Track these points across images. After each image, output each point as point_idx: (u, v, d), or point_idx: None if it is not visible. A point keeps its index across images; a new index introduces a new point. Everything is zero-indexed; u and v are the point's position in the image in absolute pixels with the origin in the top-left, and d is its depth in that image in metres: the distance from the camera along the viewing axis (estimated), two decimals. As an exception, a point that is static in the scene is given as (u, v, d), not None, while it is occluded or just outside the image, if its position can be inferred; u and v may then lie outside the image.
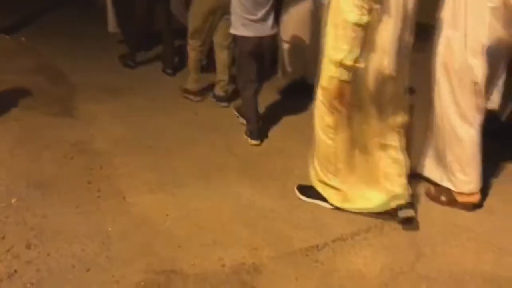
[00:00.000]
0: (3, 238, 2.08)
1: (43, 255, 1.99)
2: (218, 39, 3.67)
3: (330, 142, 2.36)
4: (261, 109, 3.55)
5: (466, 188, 2.48)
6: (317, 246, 2.21)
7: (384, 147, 2.38)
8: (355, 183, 2.45)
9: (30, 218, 2.24)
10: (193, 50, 3.73)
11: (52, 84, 4.09)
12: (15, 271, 1.89)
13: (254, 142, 3.22)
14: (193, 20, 3.62)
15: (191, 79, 3.86)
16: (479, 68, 2.32)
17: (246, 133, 3.27)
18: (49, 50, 5.01)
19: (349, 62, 2.06)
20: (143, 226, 2.26)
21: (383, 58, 2.18)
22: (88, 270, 1.93)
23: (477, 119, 2.41)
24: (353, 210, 2.45)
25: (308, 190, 2.56)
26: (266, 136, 3.32)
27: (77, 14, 6.03)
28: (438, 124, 2.52)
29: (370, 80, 2.22)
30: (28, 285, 1.82)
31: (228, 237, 2.23)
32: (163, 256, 2.06)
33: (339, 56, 2.07)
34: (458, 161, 2.47)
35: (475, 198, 2.49)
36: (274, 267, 2.05)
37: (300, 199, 2.58)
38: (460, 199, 2.50)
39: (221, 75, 3.76)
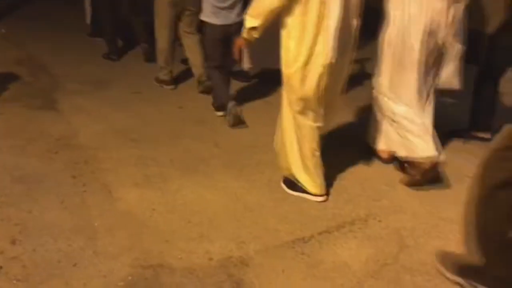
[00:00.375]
0: (-13, 234, 2.06)
1: (28, 250, 1.98)
2: (183, 27, 3.79)
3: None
4: (248, 104, 3.57)
5: (424, 154, 2.63)
6: (303, 238, 2.24)
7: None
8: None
9: (15, 213, 2.21)
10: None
11: (34, 77, 4.03)
12: (0, 267, 1.87)
13: (220, 113, 3.47)
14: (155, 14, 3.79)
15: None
16: (418, 48, 2.52)
17: (213, 105, 3.55)
18: (31, 42, 4.94)
19: (248, 25, 2.28)
20: (130, 221, 2.25)
21: (328, 42, 2.23)
22: (75, 265, 1.92)
23: (408, 95, 2.64)
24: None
25: (294, 184, 2.58)
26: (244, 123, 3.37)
27: (59, 6, 5.93)
28: (376, 99, 2.79)
29: (318, 66, 2.27)
30: (14, 281, 1.81)
31: (215, 230, 2.24)
32: (150, 250, 2.05)
33: (248, 16, 2.30)
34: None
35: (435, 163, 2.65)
36: (261, 260, 2.07)
37: (286, 192, 2.60)
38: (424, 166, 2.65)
39: (192, 60, 3.87)
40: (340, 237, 2.28)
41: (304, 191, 2.54)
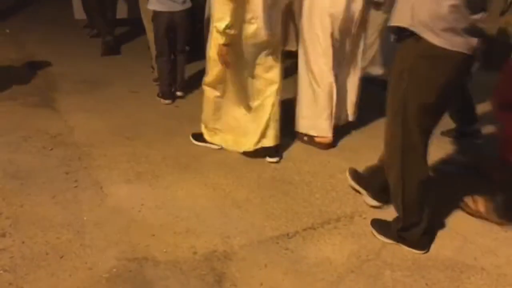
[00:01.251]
0: (-21, 227, 2.12)
1: (17, 243, 2.04)
2: (144, 18, 3.92)
3: (218, 94, 2.88)
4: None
5: (323, 133, 3.09)
6: (288, 234, 2.28)
7: (258, 99, 2.89)
8: (236, 129, 2.98)
9: (6, 207, 2.27)
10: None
11: (33, 76, 4.10)
12: (-11, 258, 1.93)
13: (165, 101, 3.72)
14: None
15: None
16: (328, 33, 2.86)
17: (158, 95, 3.77)
18: (31, 42, 5.03)
19: (221, 28, 2.49)
20: (119, 216, 2.30)
21: (257, 24, 2.58)
22: (62, 257, 1.98)
23: (324, 78, 2.96)
24: (236, 150, 3.00)
25: (200, 136, 3.03)
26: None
27: (61, 6, 6.00)
28: (299, 82, 3.12)
29: (248, 43, 2.65)
30: (1, 272, 1.86)
31: (202, 225, 2.28)
32: (136, 244, 2.11)
33: (216, 23, 2.52)
34: (314, 112, 3.08)
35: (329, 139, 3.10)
36: (244, 254, 2.11)
37: (275, 189, 2.64)
38: (317, 140, 3.11)
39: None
40: (324, 233, 2.31)
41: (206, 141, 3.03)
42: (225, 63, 2.65)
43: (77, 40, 5.23)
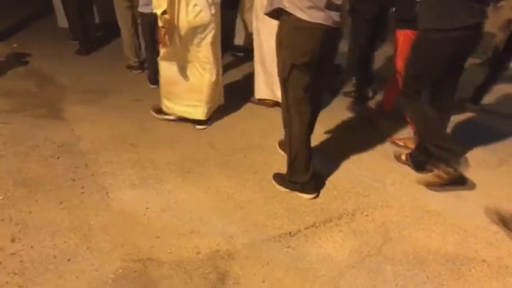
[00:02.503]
0: (-11, 233, 2.19)
1: (26, 247, 2.10)
2: (120, 20, 4.53)
3: (169, 69, 3.36)
4: (244, 106, 3.68)
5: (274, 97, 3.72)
6: (290, 233, 2.32)
7: (200, 73, 3.35)
8: (186, 101, 3.44)
9: (16, 214, 2.34)
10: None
11: (41, 87, 4.21)
12: (0, 262, 1.99)
13: (152, 86, 4.25)
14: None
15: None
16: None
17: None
18: (38, 55, 5.14)
19: (159, 13, 2.97)
20: (124, 219, 2.36)
21: (200, 7, 3.08)
22: (69, 260, 2.03)
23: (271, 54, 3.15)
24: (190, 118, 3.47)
25: (160, 110, 3.51)
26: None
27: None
28: (255, 59, 3.77)
29: (192, 25, 3.14)
30: (12, 275, 1.92)
31: (205, 227, 2.33)
32: (141, 246, 2.16)
33: (155, 10, 3.01)
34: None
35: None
36: (247, 253, 2.15)
37: (277, 190, 2.68)
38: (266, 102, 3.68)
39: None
40: (326, 231, 2.35)
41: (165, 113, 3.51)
42: (162, 42, 3.16)
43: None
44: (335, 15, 2.32)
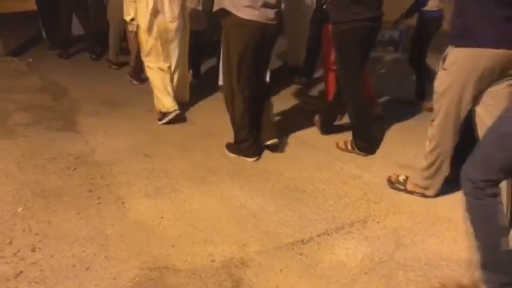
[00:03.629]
0: (10, 243, 2.25)
1: (46, 256, 2.16)
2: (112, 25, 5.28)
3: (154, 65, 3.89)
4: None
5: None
6: (302, 240, 2.35)
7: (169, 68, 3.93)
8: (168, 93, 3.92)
9: (35, 224, 2.41)
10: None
11: (56, 101, 4.32)
12: (21, 271, 2.05)
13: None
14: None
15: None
16: None
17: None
18: (53, 69, 5.28)
19: (128, 20, 3.88)
20: (140, 228, 2.41)
21: (163, 15, 3.68)
22: (88, 269, 2.09)
23: None
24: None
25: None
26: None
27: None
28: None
29: (161, 30, 3.73)
30: (33, 284, 1.98)
31: (219, 235, 2.37)
32: (157, 254, 2.21)
33: (125, 17, 3.96)
34: None
35: None
36: (261, 261, 2.19)
37: (289, 198, 2.72)
38: None
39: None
40: (338, 238, 2.38)
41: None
42: (131, 47, 4.15)
43: (93, 65, 5.49)
44: (270, 13, 2.86)
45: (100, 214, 2.54)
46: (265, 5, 2.80)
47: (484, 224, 1.76)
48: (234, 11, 2.81)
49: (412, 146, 3.37)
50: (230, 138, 3.34)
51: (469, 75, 2.14)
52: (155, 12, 3.61)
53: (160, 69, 3.85)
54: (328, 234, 2.41)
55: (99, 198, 2.70)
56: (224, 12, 2.87)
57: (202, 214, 2.56)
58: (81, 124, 3.79)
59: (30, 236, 2.31)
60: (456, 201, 2.64)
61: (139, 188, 2.81)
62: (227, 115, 3.22)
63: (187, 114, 4.06)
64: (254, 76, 3.07)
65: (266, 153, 3.31)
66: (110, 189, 2.80)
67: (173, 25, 3.72)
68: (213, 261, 2.18)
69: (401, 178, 2.83)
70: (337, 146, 3.41)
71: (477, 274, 1.84)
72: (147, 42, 3.74)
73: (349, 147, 3.34)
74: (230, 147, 3.30)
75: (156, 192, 2.78)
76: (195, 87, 4.71)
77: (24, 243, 2.25)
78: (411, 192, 2.75)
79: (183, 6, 3.79)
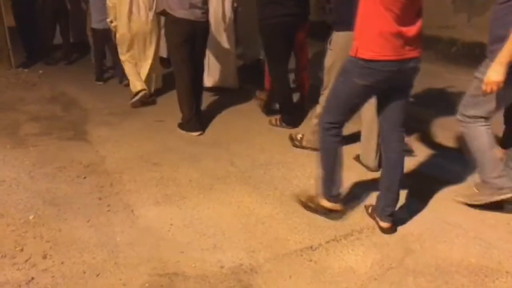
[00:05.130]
0: (22, 250, 2.27)
1: (57, 263, 2.18)
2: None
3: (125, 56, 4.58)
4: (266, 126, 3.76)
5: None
6: (311, 247, 2.35)
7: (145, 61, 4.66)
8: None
9: (46, 232, 2.43)
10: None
11: (66, 111, 4.38)
12: (33, 278, 2.07)
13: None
14: None
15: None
16: None
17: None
18: (63, 81, 5.36)
19: (108, 21, 4.45)
20: (149, 235, 2.43)
21: (139, 18, 4.42)
22: (98, 275, 2.10)
23: None
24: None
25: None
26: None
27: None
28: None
29: (134, 31, 4.46)
30: (44, 290, 2.01)
31: (228, 241, 2.38)
32: (166, 260, 2.22)
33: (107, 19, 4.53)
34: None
35: None
36: (270, 267, 2.19)
37: (297, 205, 2.72)
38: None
39: None
40: (347, 244, 2.37)
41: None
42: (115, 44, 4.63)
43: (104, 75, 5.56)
44: (197, 12, 3.66)
45: (109, 221, 2.56)
46: (193, 7, 3.61)
47: (325, 155, 2.47)
48: (170, 11, 3.63)
49: (417, 152, 3.38)
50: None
51: (347, 53, 2.30)
52: (132, 15, 4.36)
53: (136, 63, 4.59)
54: (337, 241, 2.40)
55: (108, 205, 2.72)
56: (165, 12, 3.69)
57: (211, 221, 2.57)
58: (91, 134, 3.83)
59: (41, 243, 2.34)
60: (465, 207, 2.65)
61: (148, 196, 2.83)
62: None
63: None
64: (191, 63, 3.77)
65: (274, 161, 3.32)
66: (119, 197, 2.82)
67: (147, 27, 4.46)
68: (222, 267, 2.18)
69: (299, 136, 3.55)
70: (270, 122, 4.03)
71: (318, 189, 2.56)
72: (125, 41, 4.45)
73: (278, 123, 3.99)
74: (180, 125, 3.91)
75: (165, 200, 2.80)
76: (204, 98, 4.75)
77: (35, 250, 2.27)
78: (304, 147, 3.47)
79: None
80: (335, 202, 2.54)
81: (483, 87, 2.35)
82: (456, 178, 2.98)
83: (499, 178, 2.54)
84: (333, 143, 2.42)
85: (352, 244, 2.37)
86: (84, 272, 2.12)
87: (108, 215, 2.62)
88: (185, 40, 3.66)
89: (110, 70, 5.68)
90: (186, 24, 3.61)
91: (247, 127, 3.96)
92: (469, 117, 2.56)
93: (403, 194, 2.81)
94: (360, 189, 2.89)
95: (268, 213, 2.65)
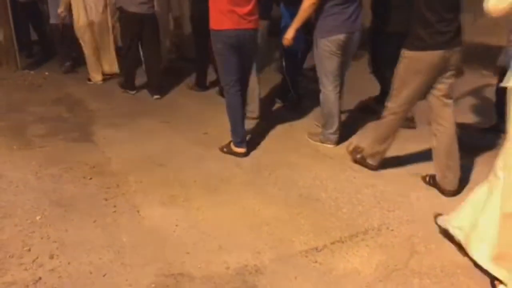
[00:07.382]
0: (29, 250, 2.29)
1: (64, 263, 2.20)
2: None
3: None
4: (271, 128, 3.77)
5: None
6: (317, 248, 2.35)
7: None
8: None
9: (53, 232, 2.45)
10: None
11: (72, 113, 4.41)
12: (40, 278, 2.09)
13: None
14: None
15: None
16: None
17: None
18: (68, 82, 5.40)
19: (59, 12, 5.26)
20: (155, 236, 2.44)
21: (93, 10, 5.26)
22: (104, 276, 2.12)
23: None
24: None
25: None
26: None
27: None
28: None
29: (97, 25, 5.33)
30: (51, 290, 2.02)
31: (233, 242, 2.39)
32: (172, 261, 2.23)
33: None
34: None
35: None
36: (275, 268, 2.19)
37: (302, 206, 2.73)
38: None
39: None
40: (352, 246, 2.38)
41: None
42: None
43: (106, 78, 5.61)
44: (145, 7, 4.56)
45: (116, 222, 2.57)
46: (142, 3, 4.54)
47: (231, 108, 3.40)
48: (124, 6, 4.56)
49: (423, 154, 3.36)
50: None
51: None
52: (87, 7, 5.08)
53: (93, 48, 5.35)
54: (342, 242, 2.41)
55: (115, 206, 2.74)
56: (121, 8, 4.62)
57: (216, 222, 2.58)
58: (97, 135, 3.86)
59: (48, 243, 2.35)
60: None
61: (154, 197, 2.85)
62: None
63: (200, 123, 4.10)
64: (142, 46, 4.84)
65: (279, 162, 3.33)
66: (125, 198, 2.84)
67: (102, 17, 5.23)
68: (227, 268, 2.19)
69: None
70: (188, 86, 5.19)
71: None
72: (84, 31, 5.19)
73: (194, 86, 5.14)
74: (121, 85, 5.09)
75: (171, 201, 2.81)
76: (209, 99, 4.78)
77: (42, 250, 2.29)
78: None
79: (108, 3, 5.30)
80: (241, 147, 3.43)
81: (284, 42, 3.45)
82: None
83: (333, 134, 3.57)
84: (236, 97, 3.32)
85: (357, 246, 2.37)
86: (91, 273, 2.14)
87: (114, 216, 2.63)
88: (136, 31, 4.67)
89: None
90: (136, 17, 4.58)
91: (251, 128, 3.97)
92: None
93: (408, 198, 2.82)
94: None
95: (273, 214, 2.66)
